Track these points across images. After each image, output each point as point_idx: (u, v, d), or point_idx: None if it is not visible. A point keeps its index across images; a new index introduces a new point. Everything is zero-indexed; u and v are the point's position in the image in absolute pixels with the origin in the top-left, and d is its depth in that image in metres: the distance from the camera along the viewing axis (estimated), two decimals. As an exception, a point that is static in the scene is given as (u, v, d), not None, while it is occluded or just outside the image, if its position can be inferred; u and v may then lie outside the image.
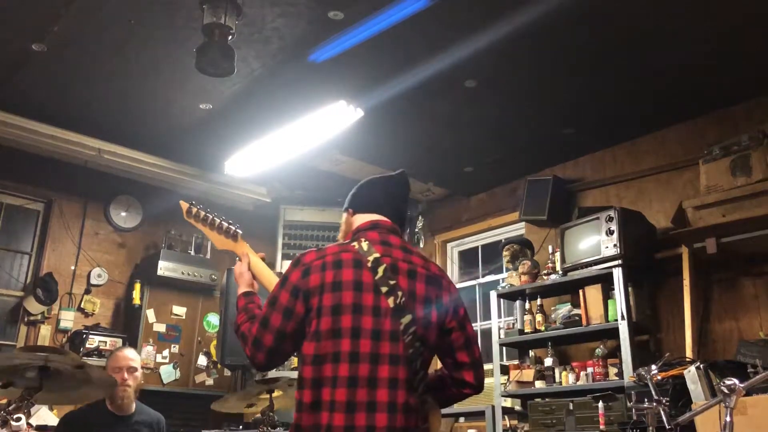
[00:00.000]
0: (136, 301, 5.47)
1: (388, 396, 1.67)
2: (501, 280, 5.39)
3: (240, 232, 2.13)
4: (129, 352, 3.37)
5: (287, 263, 6.03)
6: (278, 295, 1.78)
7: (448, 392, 1.92)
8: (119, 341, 5.20)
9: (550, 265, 4.79)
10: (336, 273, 1.75)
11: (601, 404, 3.79)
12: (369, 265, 1.78)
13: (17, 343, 5.00)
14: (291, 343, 1.77)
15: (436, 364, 1.89)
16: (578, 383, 4.31)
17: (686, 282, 4.15)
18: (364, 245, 1.82)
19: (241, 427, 4.62)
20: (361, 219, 1.97)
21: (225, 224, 2.12)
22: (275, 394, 3.15)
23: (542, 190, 5.06)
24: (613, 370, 4.17)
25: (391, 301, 1.75)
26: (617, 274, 4.19)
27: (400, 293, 1.76)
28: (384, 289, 1.75)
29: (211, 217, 2.12)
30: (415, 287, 1.81)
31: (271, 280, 2.00)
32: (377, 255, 1.80)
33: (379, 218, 1.94)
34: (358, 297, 1.73)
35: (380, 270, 1.77)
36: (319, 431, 1.63)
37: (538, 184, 5.12)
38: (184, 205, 2.15)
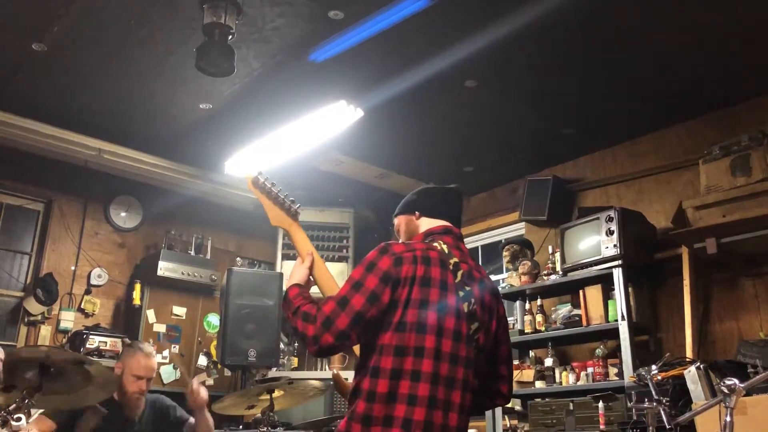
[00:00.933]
0: (137, 301, 5.46)
1: (461, 397, 1.72)
2: (501, 281, 5.39)
3: (300, 212, 2.08)
4: (155, 361, 3.27)
5: (287, 263, 6.09)
6: (363, 280, 1.72)
7: (477, 402, 1.95)
8: (119, 341, 5.19)
9: (550, 265, 4.79)
10: (426, 269, 1.75)
11: (601, 404, 3.79)
12: (451, 267, 1.81)
13: (17, 344, 5.00)
14: (360, 332, 1.71)
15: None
16: (578, 383, 4.31)
17: (686, 282, 4.15)
18: (444, 247, 1.85)
19: (241, 427, 4.62)
20: (429, 223, 1.98)
21: (287, 201, 2.08)
22: (275, 394, 3.15)
23: (542, 190, 5.06)
24: (613, 370, 4.17)
25: (465, 306, 1.78)
26: (617, 275, 4.20)
27: (472, 300, 1.81)
28: (461, 294, 1.79)
29: (275, 191, 2.08)
30: (484, 296, 1.85)
31: (332, 286, 1.93)
32: (456, 260, 1.84)
33: (449, 225, 1.97)
34: (443, 296, 1.75)
35: (459, 274, 1.81)
36: (392, 423, 1.63)
37: (538, 184, 5.12)
38: (250, 175, 2.11)
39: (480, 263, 6.00)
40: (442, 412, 1.67)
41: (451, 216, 2.00)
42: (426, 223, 1.98)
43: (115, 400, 3.17)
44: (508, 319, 5.18)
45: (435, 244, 1.85)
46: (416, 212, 2.01)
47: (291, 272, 1.99)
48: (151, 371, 3.21)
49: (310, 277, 1.97)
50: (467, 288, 1.80)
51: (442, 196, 2.05)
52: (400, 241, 1.84)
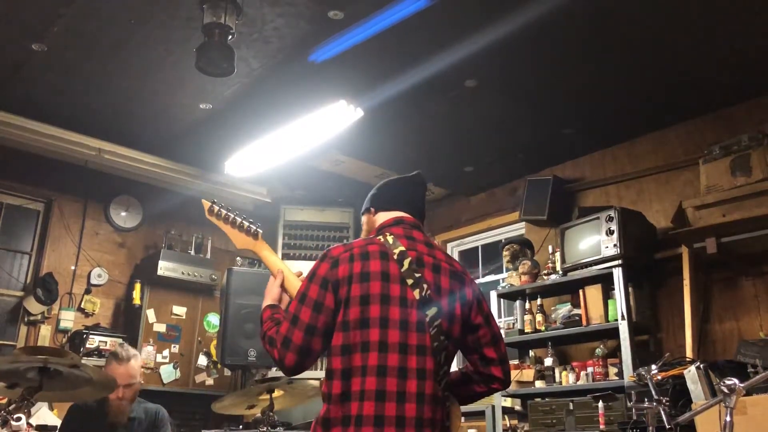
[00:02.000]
0: (137, 301, 5.47)
1: (417, 387, 1.69)
2: (501, 280, 5.39)
3: (261, 231, 2.12)
4: (130, 366, 3.16)
5: (287, 263, 6.07)
6: (307, 291, 1.77)
7: (474, 388, 1.94)
8: (119, 341, 5.19)
9: (550, 265, 4.79)
10: (364, 264, 1.77)
11: (601, 404, 3.79)
12: (395, 257, 1.80)
13: (17, 343, 5.00)
14: (320, 341, 1.74)
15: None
16: (578, 383, 4.30)
17: (686, 282, 4.15)
18: (390, 239, 1.86)
19: (241, 426, 4.63)
20: (384, 216, 2.00)
21: (246, 223, 2.12)
22: (275, 394, 3.15)
23: (542, 190, 5.06)
24: (613, 370, 4.17)
25: (416, 293, 1.77)
26: (617, 274, 4.20)
27: (425, 286, 1.78)
28: (410, 282, 1.78)
29: (232, 216, 2.12)
30: (440, 281, 1.83)
31: None
32: (402, 248, 1.83)
33: (402, 215, 1.98)
34: (385, 287, 1.75)
35: (406, 263, 1.80)
36: (349, 422, 1.63)
37: (538, 184, 5.12)
38: (206, 204, 2.15)
39: (480, 263, 6.01)
40: (396, 404, 1.65)
41: (406, 204, 2.01)
42: (381, 218, 2.00)
43: (103, 404, 3.15)
44: (509, 318, 5.18)
45: (379, 237, 1.87)
46: (372, 208, 2.05)
47: (265, 291, 2.02)
48: (126, 378, 3.11)
49: (284, 294, 2.00)
50: (417, 275, 1.79)
51: (396, 186, 2.07)
52: (340, 243, 1.87)
